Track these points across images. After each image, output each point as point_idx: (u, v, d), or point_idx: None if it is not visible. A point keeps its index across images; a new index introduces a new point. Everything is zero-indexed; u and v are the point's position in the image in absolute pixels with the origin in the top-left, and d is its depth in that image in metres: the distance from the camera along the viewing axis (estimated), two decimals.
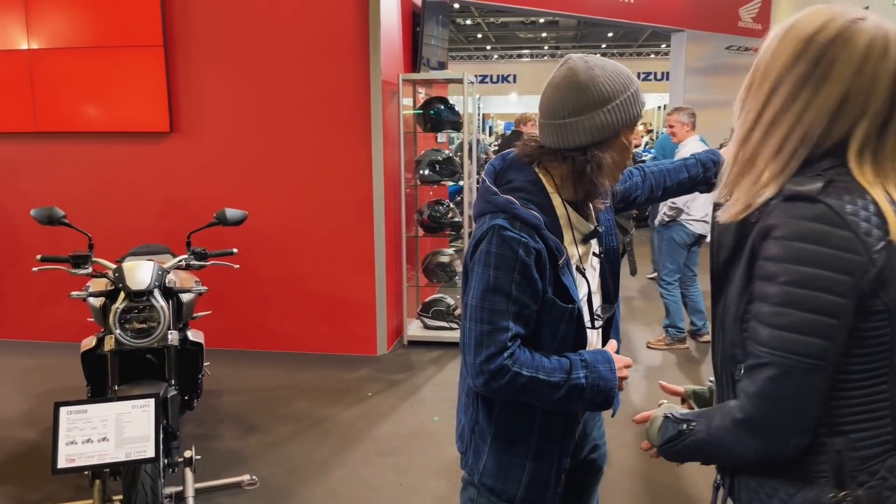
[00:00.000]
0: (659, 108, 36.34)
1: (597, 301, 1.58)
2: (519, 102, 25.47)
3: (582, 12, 8.46)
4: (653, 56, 27.62)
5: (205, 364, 3.29)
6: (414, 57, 5.66)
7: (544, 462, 1.51)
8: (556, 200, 1.46)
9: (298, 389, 4.45)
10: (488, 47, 29.01)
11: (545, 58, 27.37)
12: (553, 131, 1.41)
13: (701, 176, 1.81)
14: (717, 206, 1.17)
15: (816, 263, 0.96)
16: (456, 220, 5.25)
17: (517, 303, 1.37)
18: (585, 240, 1.53)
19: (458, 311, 5.39)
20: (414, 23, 5.72)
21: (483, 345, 1.38)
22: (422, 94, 5.66)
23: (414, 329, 5.42)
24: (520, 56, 27.11)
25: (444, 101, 5.25)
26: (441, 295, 5.46)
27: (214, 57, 4.87)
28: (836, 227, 0.96)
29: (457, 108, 5.22)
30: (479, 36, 25.80)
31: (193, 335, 3.12)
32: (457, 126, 5.20)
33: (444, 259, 5.33)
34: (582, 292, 1.50)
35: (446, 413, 4.08)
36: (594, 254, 1.57)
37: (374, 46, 4.75)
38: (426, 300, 5.47)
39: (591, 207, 1.56)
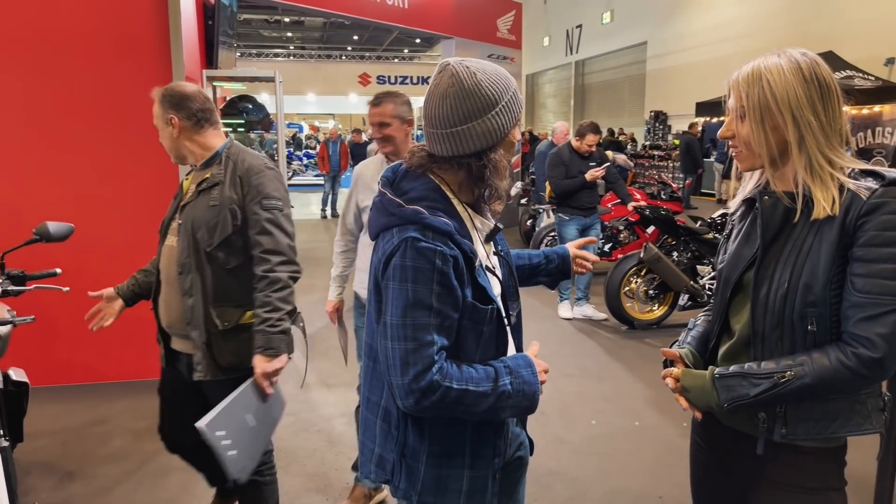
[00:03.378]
0: None
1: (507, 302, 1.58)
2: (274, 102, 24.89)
3: (359, 14, 8.51)
4: (396, 60, 28.75)
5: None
6: (209, 52, 5.28)
7: (480, 467, 1.51)
8: (458, 205, 1.46)
9: (113, 424, 3.91)
10: (232, 44, 27.77)
11: (305, 58, 27.12)
12: (446, 140, 1.40)
13: (543, 265, 1.87)
14: (753, 201, 1.45)
15: None
16: None
17: (439, 314, 1.34)
18: (488, 239, 1.54)
19: None
20: (205, 16, 5.32)
21: (410, 363, 1.33)
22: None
23: None
24: (276, 55, 26.44)
25: (250, 99, 4.98)
26: None
27: None
28: None
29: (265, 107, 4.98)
30: None
31: (15, 374, 2.61)
32: (267, 126, 4.96)
33: None
34: (496, 291, 1.50)
35: (292, 428, 3.90)
36: (494, 252, 1.59)
37: (175, 40, 4.33)
38: None
39: (488, 207, 1.56)
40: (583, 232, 5.99)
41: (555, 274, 1.89)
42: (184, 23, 4.43)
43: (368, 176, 2.90)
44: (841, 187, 1.34)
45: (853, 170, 1.36)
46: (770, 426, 1.42)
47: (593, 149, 5.95)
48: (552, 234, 7.32)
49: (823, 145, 1.36)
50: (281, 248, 2.26)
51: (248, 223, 2.26)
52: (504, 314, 1.52)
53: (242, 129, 5.17)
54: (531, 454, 1.74)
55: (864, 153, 11.90)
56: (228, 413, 2.15)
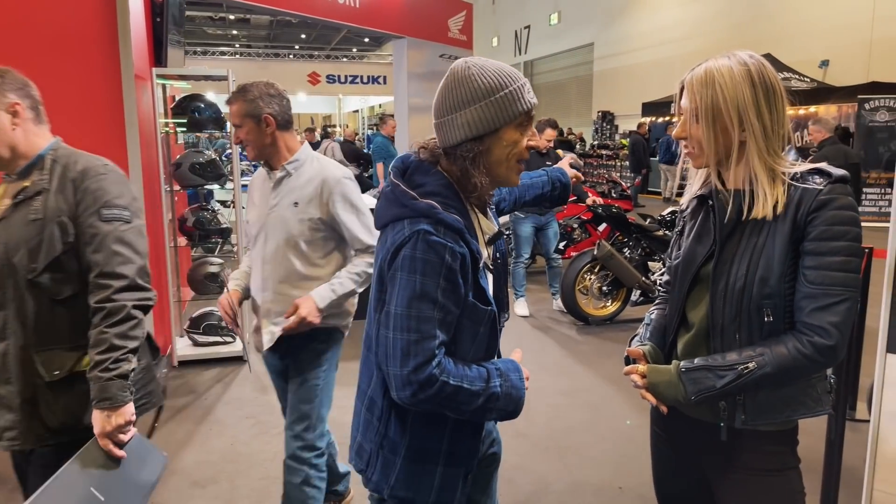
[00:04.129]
0: (357, 111, 37.76)
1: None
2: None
3: (309, 13, 8.44)
4: (345, 59, 28.52)
5: None
6: (157, 50, 5.15)
7: (455, 466, 1.53)
8: (467, 203, 1.48)
9: None
10: (181, 42, 27.10)
11: (253, 57, 26.66)
12: (438, 131, 1.45)
13: (549, 192, 1.99)
14: (705, 198, 1.53)
15: (859, 224, 1.39)
16: (225, 225, 4.93)
17: (443, 309, 1.36)
18: (489, 243, 1.55)
19: None
20: (153, 13, 5.19)
21: (411, 354, 1.34)
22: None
23: (183, 348, 4.96)
24: (222, 54, 25.94)
25: (201, 98, 4.88)
26: (211, 308, 5.07)
27: None
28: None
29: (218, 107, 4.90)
30: None
31: None
32: (220, 125, 4.87)
33: (214, 269, 4.96)
34: (491, 294, 1.52)
35: (252, 431, 3.85)
36: (493, 259, 1.59)
37: (124, 37, 4.22)
38: (194, 315, 5.03)
39: (492, 210, 1.60)
40: (538, 230, 6.10)
41: (556, 200, 2.02)
42: (132, 20, 4.33)
43: (254, 189, 2.58)
44: (787, 186, 1.42)
45: (796, 174, 1.43)
46: (731, 414, 1.48)
47: (551, 144, 6.03)
48: (507, 232, 7.41)
49: (763, 151, 1.42)
50: (124, 271, 1.77)
51: (82, 240, 1.80)
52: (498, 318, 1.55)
53: (183, 130, 5.04)
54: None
55: (801, 152, 12.36)
56: (60, 491, 1.67)
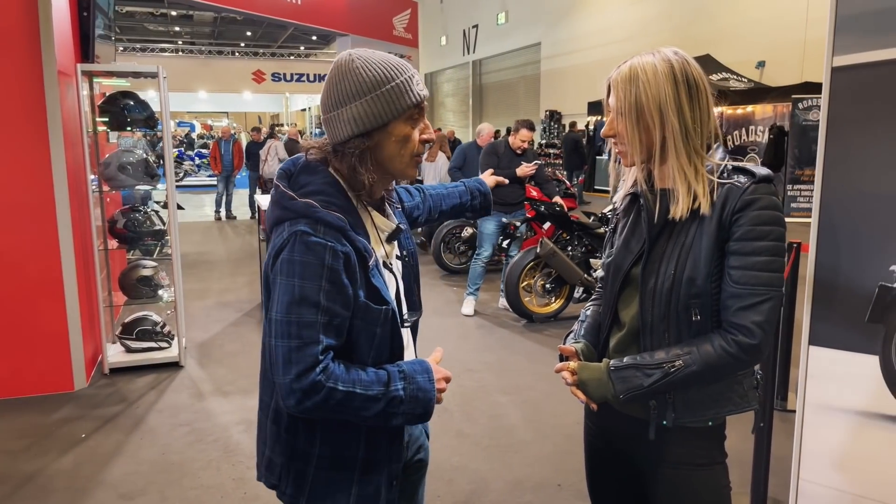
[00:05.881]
0: (305, 109, 37.32)
1: (403, 306, 1.55)
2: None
3: (250, 9, 8.26)
4: (292, 57, 28.16)
5: None
6: (84, 46, 4.96)
7: (373, 473, 1.47)
8: (356, 202, 1.42)
9: None
10: (111, 38, 26.28)
11: (195, 54, 25.98)
12: (326, 126, 1.40)
13: (468, 203, 1.92)
14: (636, 196, 1.52)
15: (783, 223, 1.39)
16: (157, 227, 4.77)
17: (327, 312, 1.30)
18: (390, 239, 1.51)
19: (167, 329, 4.90)
20: (80, 6, 4.99)
21: (292, 361, 1.28)
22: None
23: (115, 355, 4.78)
24: (162, 50, 25.26)
25: (132, 96, 4.70)
26: (145, 313, 4.90)
27: None
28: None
29: (149, 104, 4.73)
30: None
31: None
32: (151, 123, 4.71)
33: (147, 272, 4.79)
34: (391, 292, 1.46)
35: (186, 439, 3.72)
36: (397, 256, 1.55)
37: (46, 32, 4.04)
38: (127, 320, 4.86)
39: (389, 207, 1.54)
40: (503, 229, 6.11)
41: (478, 210, 1.95)
42: (55, 13, 4.14)
43: None
44: (712, 187, 1.42)
45: (724, 168, 1.43)
46: (661, 412, 1.48)
47: (526, 145, 6.02)
48: (456, 231, 7.49)
49: (681, 150, 1.42)
50: None
51: None
52: (398, 317, 1.47)
53: (109, 127, 4.80)
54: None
55: (739, 150, 12.73)
56: None
